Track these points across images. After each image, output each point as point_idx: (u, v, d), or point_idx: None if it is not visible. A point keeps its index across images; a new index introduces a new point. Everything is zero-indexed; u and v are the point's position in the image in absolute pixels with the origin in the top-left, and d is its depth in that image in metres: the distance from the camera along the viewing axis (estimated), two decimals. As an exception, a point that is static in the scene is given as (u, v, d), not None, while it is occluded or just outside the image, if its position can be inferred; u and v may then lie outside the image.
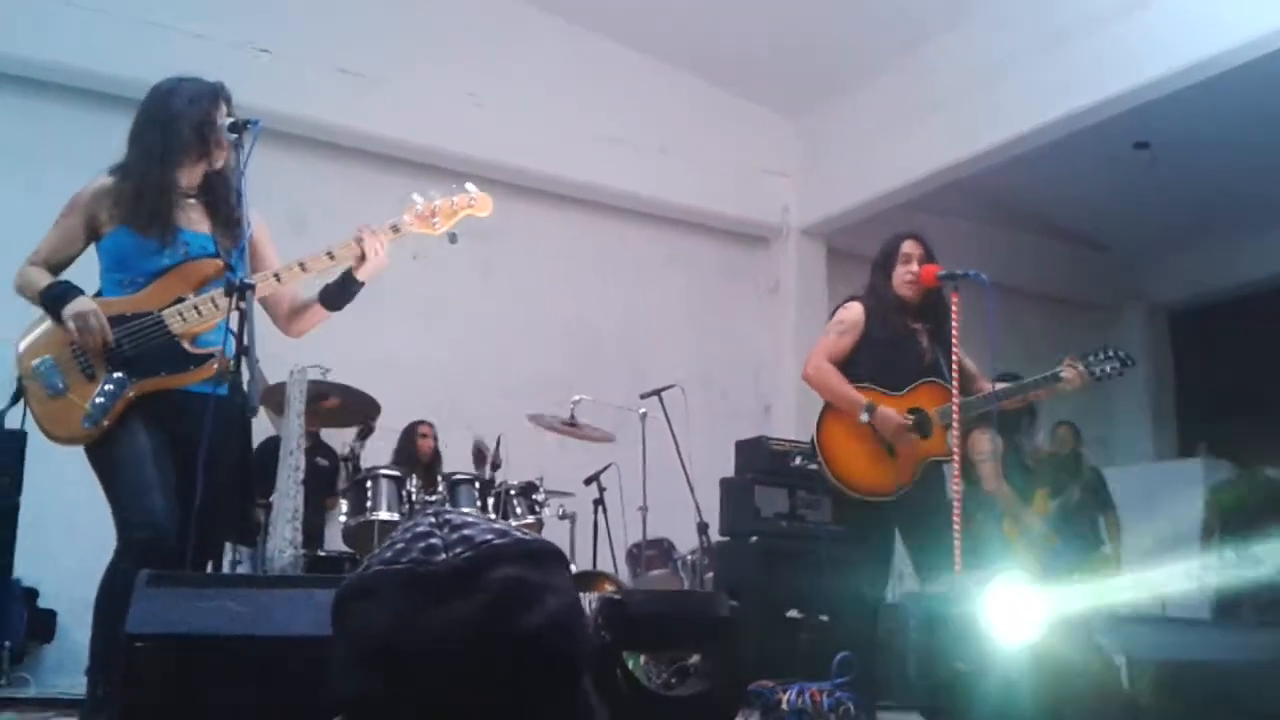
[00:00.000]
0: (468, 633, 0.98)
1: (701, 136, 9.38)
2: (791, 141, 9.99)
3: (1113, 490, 7.17)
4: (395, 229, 3.63)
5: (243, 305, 3.14)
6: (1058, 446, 7.43)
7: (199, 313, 3.35)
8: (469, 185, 3.74)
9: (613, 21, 8.87)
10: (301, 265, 3.49)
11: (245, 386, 3.12)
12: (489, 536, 1.04)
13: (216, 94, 3.46)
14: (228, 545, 4.16)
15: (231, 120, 3.38)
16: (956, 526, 4.06)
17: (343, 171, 8.14)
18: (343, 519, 6.02)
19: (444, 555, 1.02)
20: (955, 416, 4.22)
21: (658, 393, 6.67)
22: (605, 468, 6.78)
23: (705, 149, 9.38)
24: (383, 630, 1.00)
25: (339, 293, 3.62)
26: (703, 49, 9.07)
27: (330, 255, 3.52)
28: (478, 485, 6.02)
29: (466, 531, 1.05)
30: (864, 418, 4.40)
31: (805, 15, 8.39)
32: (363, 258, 3.54)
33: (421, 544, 1.04)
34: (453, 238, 3.70)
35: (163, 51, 6.52)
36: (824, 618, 5.78)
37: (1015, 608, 3.30)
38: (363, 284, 3.60)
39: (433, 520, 1.08)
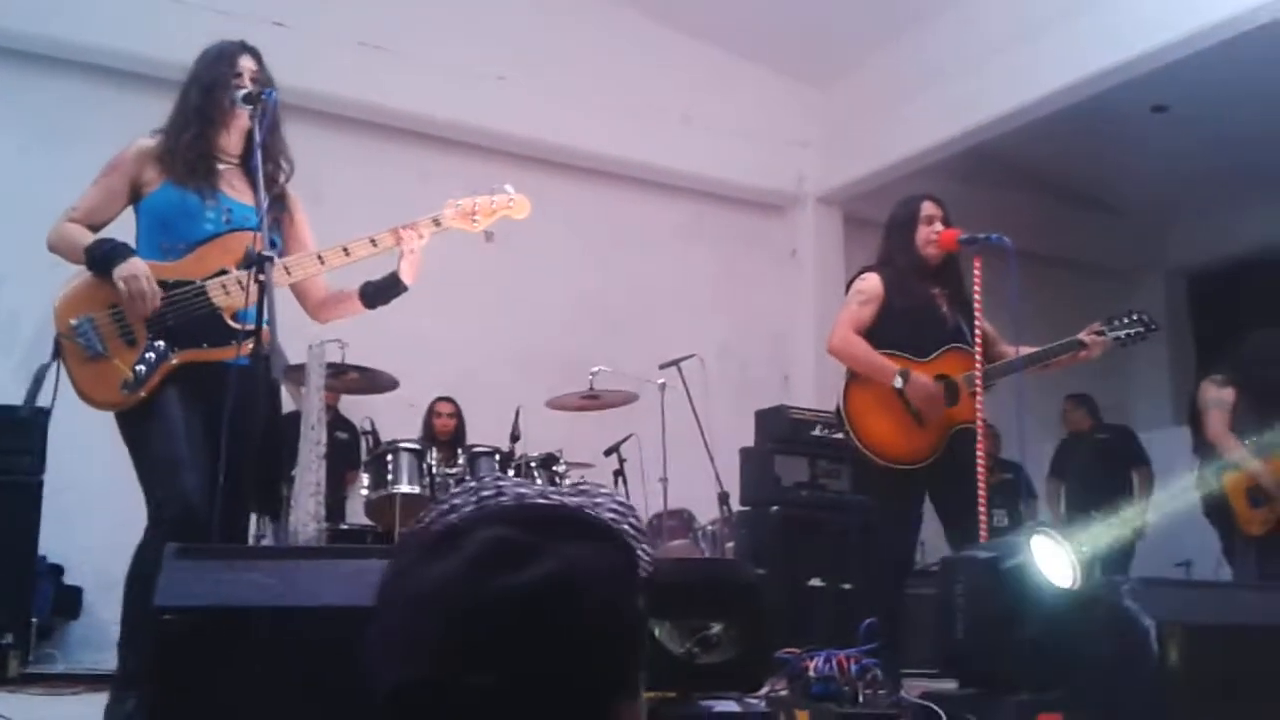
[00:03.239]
0: (449, 589, 0.98)
1: (717, 105, 9.30)
2: (807, 109, 9.89)
3: None
4: (437, 222, 3.64)
5: (262, 277, 3.13)
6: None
7: (241, 286, 3.33)
8: (508, 186, 3.74)
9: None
10: (345, 250, 3.49)
11: (267, 356, 3.13)
12: (506, 500, 1.04)
13: (235, 53, 3.48)
14: (253, 518, 4.14)
15: (245, 91, 3.39)
16: (982, 492, 4.05)
17: (363, 145, 8.11)
18: (364, 493, 6.06)
19: (453, 516, 1.02)
20: (978, 383, 4.19)
21: (676, 363, 6.68)
22: (625, 439, 6.79)
23: (721, 118, 9.30)
24: (382, 583, 1.04)
25: (380, 292, 3.65)
26: (719, 18, 9.00)
27: (373, 242, 3.52)
28: (498, 458, 6.03)
29: (503, 499, 1.05)
30: (898, 383, 4.34)
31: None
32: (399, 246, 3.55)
33: (446, 505, 1.05)
34: (489, 236, 3.73)
35: (184, 28, 6.50)
36: (846, 586, 5.79)
37: (1054, 564, 3.31)
38: (407, 288, 3.63)
39: (475, 486, 1.08)
